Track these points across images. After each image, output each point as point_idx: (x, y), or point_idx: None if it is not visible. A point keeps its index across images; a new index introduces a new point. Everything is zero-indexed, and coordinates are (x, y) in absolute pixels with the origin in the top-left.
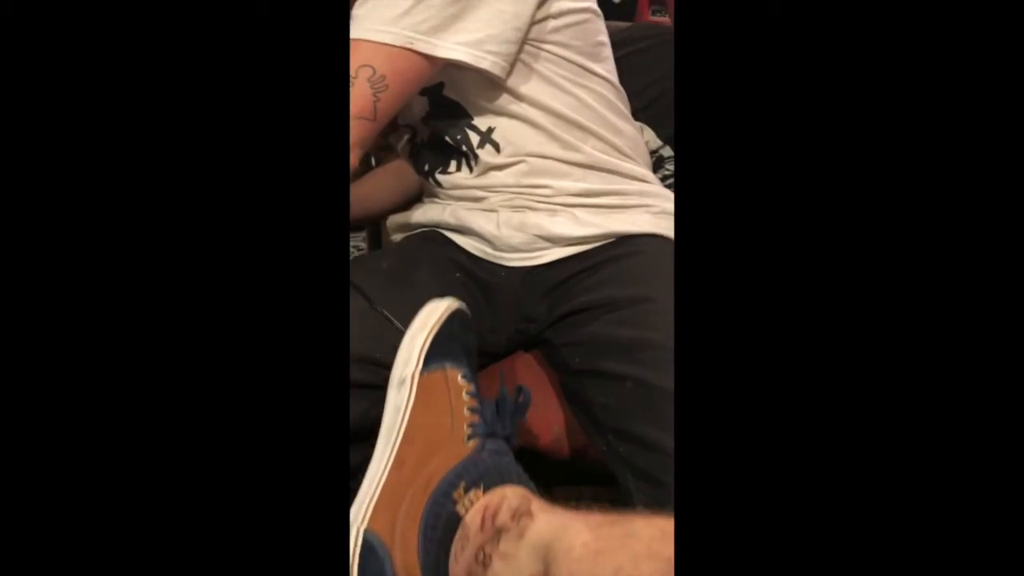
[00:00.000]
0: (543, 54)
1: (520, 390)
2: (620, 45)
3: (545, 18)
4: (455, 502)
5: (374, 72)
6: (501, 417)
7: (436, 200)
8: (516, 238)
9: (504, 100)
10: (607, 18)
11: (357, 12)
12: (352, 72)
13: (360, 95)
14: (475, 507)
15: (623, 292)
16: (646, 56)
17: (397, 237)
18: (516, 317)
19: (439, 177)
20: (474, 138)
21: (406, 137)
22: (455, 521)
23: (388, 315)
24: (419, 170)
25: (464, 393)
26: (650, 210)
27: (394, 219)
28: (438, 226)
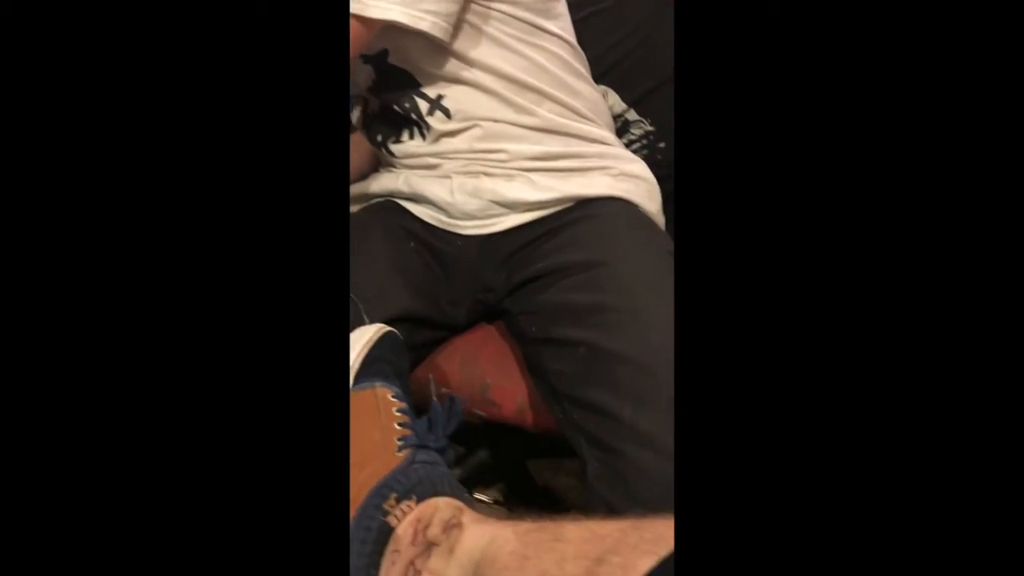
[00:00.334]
0: (492, 13)
1: (452, 400)
2: (579, 7)
3: None
4: (386, 513)
5: None
6: (433, 429)
7: (391, 169)
8: (471, 204)
9: (452, 65)
10: None
11: None
12: None
13: None
14: (407, 519)
15: (577, 257)
16: (607, 17)
17: (353, 209)
18: (475, 287)
19: (392, 147)
20: (423, 105)
21: (358, 108)
22: (387, 532)
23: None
24: (372, 141)
25: (394, 409)
26: (609, 172)
27: (350, 190)
28: (392, 195)
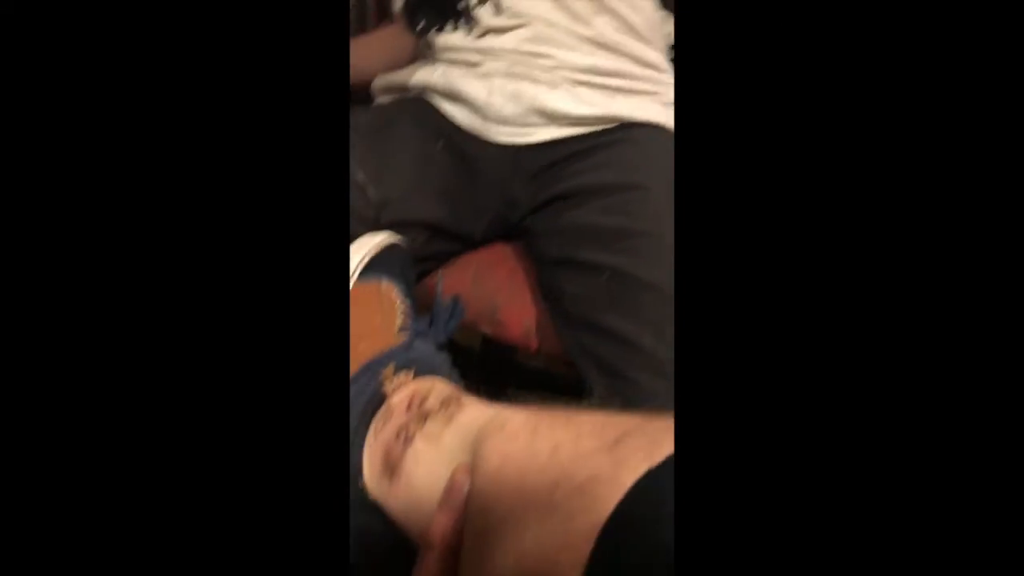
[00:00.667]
0: None
1: (455, 300)
2: None
3: None
4: (382, 382)
5: None
6: (434, 324)
7: (428, 62)
8: (508, 108)
9: None
10: None
11: None
12: None
13: None
14: (403, 390)
15: (611, 179)
16: None
17: (384, 100)
18: (498, 200)
19: (433, 37)
20: None
21: None
22: (380, 399)
23: (352, 169)
24: (413, 28)
25: (397, 303)
26: (658, 98)
27: (381, 80)
28: (426, 89)
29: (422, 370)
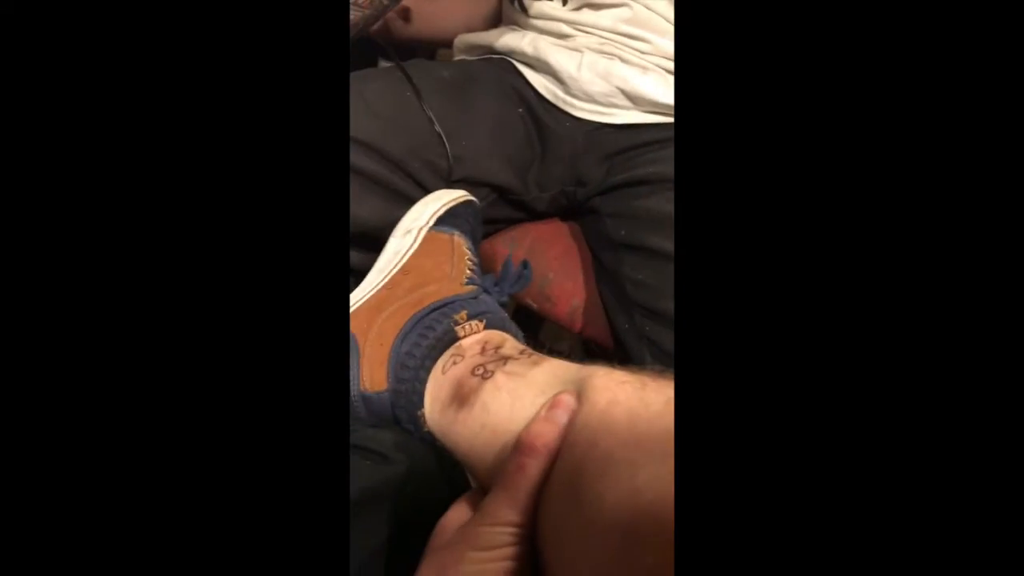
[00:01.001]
0: None
1: (525, 264)
2: None
3: None
4: (456, 323)
5: None
6: (500, 284)
7: (516, 28)
8: (596, 85)
9: None
10: None
11: None
12: None
13: None
14: (475, 336)
15: None
16: None
17: (468, 57)
18: (567, 176)
19: (527, 2)
20: None
21: None
22: (451, 338)
23: (432, 116)
24: None
25: (466, 258)
26: None
27: (464, 39)
28: (512, 54)
29: (493, 323)
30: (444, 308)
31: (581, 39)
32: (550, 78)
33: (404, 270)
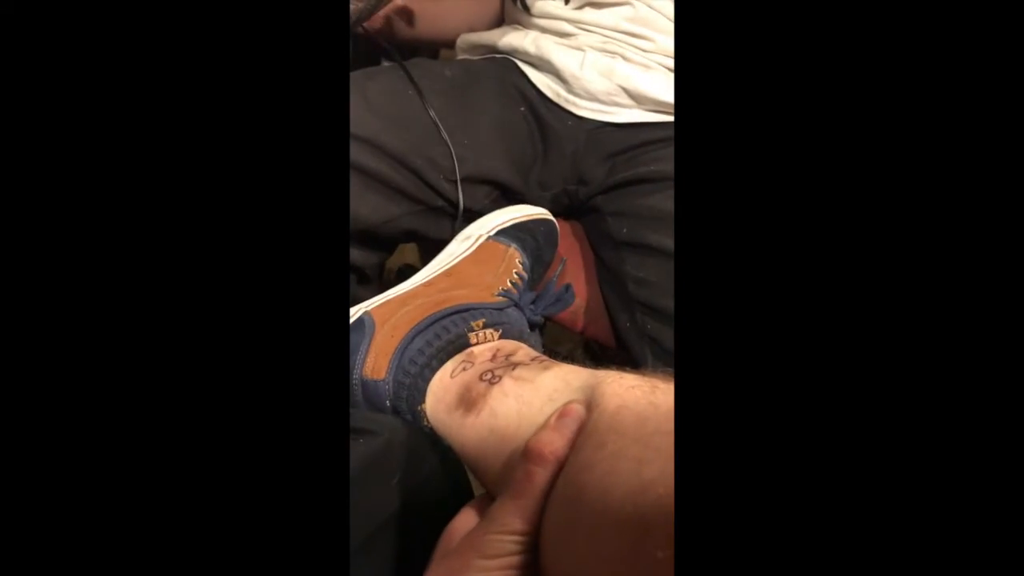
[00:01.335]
0: None
1: (567, 288)
2: None
3: None
4: (471, 329)
5: None
6: (537, 303)
7: (518, 27)
8: (598, 84)
9: None
10: None
11: None
12: None
13: None
14: (487, 344)
15: None
16: None
17: (472, 57)
18: (569, 175)
19: (529, 1)
20: None
21: None
22: (464, 343)
23: (434, 116)
24: None
25: (514, 271)
26: None
27: (467, 38)
28: (515, 53)
29: (509, 334)
30: (464, 313)
31: (583, 38)
32: (552, 77)
33: (448, 272)
